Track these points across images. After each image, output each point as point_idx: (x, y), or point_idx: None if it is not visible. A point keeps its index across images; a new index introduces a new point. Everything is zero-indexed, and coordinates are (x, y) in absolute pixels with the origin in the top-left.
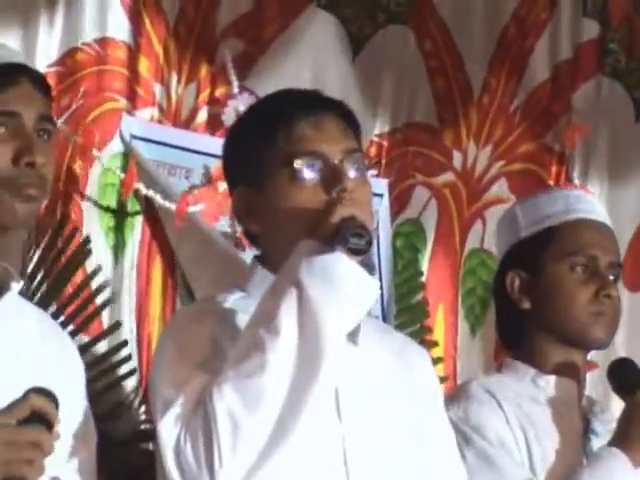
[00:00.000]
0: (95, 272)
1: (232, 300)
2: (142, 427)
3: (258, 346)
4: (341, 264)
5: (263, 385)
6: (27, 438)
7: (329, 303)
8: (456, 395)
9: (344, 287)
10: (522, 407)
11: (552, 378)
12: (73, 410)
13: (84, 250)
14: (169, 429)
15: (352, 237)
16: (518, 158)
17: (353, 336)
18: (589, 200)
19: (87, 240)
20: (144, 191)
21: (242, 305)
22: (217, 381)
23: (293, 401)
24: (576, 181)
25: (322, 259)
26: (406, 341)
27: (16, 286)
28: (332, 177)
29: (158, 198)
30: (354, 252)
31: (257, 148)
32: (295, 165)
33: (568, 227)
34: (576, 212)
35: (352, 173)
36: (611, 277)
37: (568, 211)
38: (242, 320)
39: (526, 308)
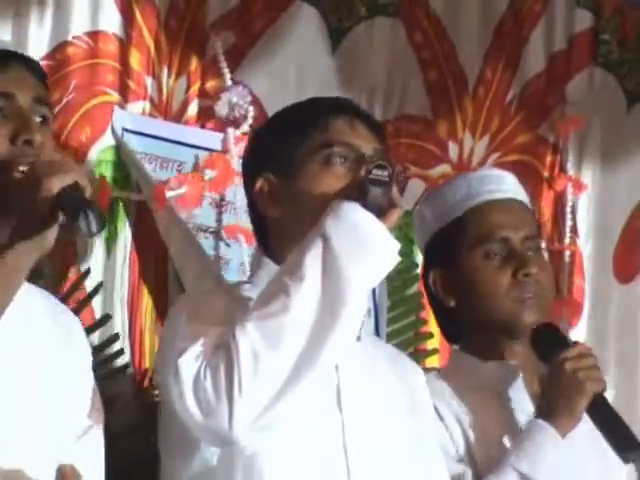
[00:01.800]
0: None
1: (241, 287)
2: (138, 420)
3: (282, 290)
4: (366, 219)
5: (285, 324)
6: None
7: (353, 254)
8: None
9: (368, 241)
10: (464, 399)
11: (492, 365)
12: (83, 389)
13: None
14: (188, 365)
15: (374, 169)
16: (514, 149)
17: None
18: (493, 178)
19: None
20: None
21: (250, 292)
22: (240, 321)
23: (313, 344)
24: (570, 171)
25: (347, 214)
26: (399, 354)
27: None
28: (362, 165)
29: (134, 196)
30: (376, 183)
31: (292, 139)
32: (329, 151)
33: (472, 214)
34: (478, 195)
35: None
36: (530, 252)
37: (470, 196)
38: (251, 303)
39: (452, 306)
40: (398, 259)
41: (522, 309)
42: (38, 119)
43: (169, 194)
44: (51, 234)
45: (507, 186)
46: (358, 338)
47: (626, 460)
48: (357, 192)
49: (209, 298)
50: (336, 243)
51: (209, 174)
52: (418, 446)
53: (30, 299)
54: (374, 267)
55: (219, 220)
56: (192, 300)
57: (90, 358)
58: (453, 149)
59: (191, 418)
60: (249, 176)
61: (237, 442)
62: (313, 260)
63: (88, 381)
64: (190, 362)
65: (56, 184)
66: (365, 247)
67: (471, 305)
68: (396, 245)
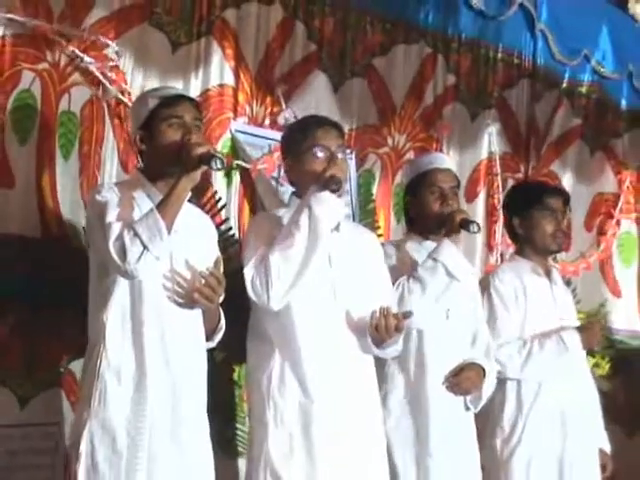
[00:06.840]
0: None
1: (281, 212)
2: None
3: (290, 234)
4: (328, 196)
5: (293, 251)
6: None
7: (322, 214)
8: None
9: (330, 205)
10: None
11: (428, 242)
12: (211, 260)
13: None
14: (249, 272)
15: (333, 185)
16: (418, 140)
17: (336, 229)
18: (439, 157)
19: (215, 193)
20: (238, 162)
21: (286, 214)
22: (271, 250)
23: (306, 257)
24: (444, 150)
25: (320, 194)
26: (365, 230)
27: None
28: (330, 157)
29: (244, 164)
30: (333, 192)
31: (299, 139)
32: (314, 150)
33: (428, 173)
34: (431, 164)
35: (340, 155)
36: (452, 194)
37: (427, 164)
38: (285, 221)
39: (412, 215)
40: (344, 209)
41: (446, 216)
42: (195, 128)
43: (259, 167)
44: (197, 174)
45: (446, 162)
46: (339, 231)
47: (466, 227)
48: (324, 178)
49: (263, 223)
50: (315, 210)
51: (276, 155)
52: (376, 279)
53: (190, 210)
54: (333, 219)
55: (278, 175)
56: (257, 223)
57: (216, 244)
58: (389, 140)
59: (251, 298)
60: (281, 157)
61: (274, 309)
62: (304, 219)
63: (214, 255)
64: (250, 270)
65: (199, 151)
66: (328, 211)
67: (421, 216)
68: (342, 204)
